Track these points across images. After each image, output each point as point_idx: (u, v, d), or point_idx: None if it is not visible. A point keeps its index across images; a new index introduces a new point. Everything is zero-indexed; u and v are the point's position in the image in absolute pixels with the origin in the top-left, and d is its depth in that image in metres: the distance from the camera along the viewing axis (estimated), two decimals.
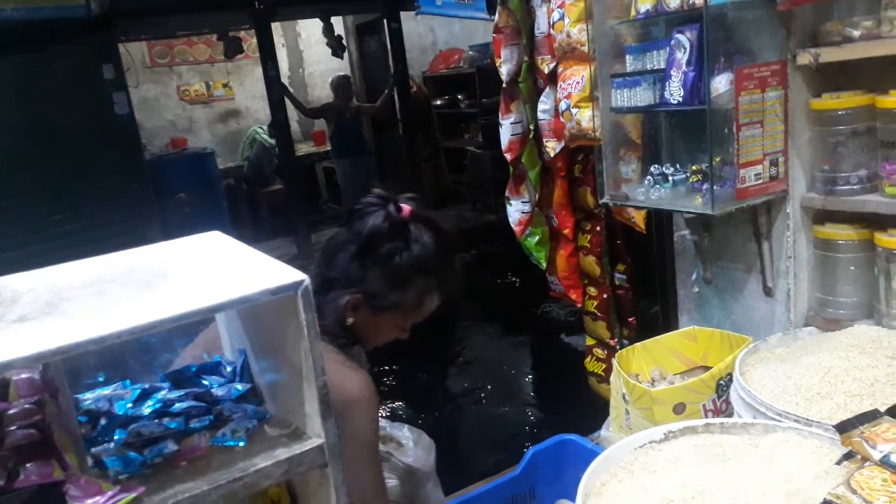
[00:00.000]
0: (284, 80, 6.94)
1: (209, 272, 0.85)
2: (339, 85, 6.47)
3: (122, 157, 5.04)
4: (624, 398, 1.80)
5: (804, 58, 1.66)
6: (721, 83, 1.65)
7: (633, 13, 1.87)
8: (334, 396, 1.16)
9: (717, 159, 1.71)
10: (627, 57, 1.92)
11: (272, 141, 7.18)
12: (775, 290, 1.88)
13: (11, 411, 0.87)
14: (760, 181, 1.72)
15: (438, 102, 8.15)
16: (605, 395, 2.78)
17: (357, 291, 1.28)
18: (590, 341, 2.93)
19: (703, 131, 1.71)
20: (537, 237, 2.77)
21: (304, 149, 8.07)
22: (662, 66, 1.79)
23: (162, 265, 0.89)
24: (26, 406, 0.89)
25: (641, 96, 1.83)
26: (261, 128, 7.82)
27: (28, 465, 0.78)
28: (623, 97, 1.88)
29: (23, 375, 0.93)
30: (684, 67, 1.71)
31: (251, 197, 7.56)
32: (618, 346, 2.71)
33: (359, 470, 1.22)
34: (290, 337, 0.81)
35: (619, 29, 1.96)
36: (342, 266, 1.29)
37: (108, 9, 4.75)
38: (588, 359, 2.94)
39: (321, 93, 8.20)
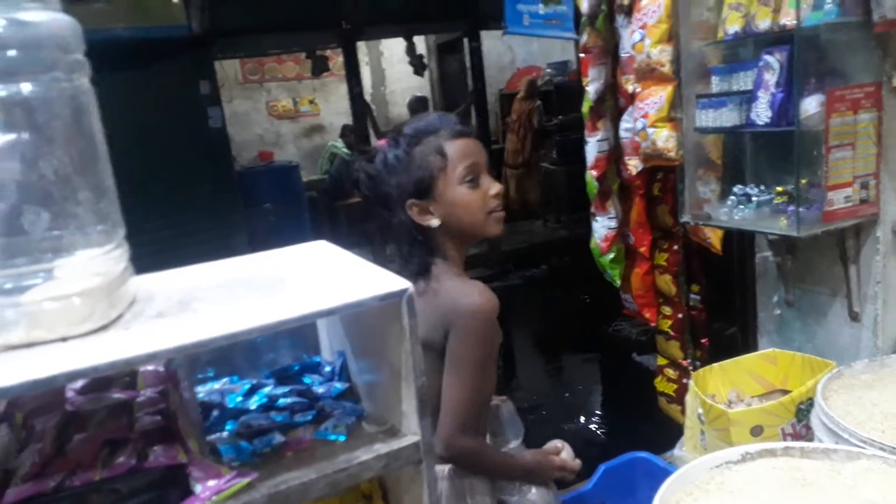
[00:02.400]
0: (367, 97, 7.15)
1: (322, 278, 0.93)
2: (415, 106, 6.63)
3: (214, 168, 5.27)
4: (700, 418, 1.79)
5: None
6: (811, 105, 1.64)
7: (720, 34, 1.88)
8: (450, 307, 1.32)
9: (804, 181, 1.70)
10: (713, 78, 1.92)
11: (353, 154, 7.40)
12: (862, 315, 1.83)
13: (139, 399, 0.98)
14: (850, 204, 1.69)
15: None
16: (675, 416, 2.74)
17: (406, 199, 1.38)
18: (661, 361, 2.90)
19: (789, 152, 1.70)
20: (613, 254, 2.78)
21: None
22: (749, 88, 1.79)
23: (279, 270, 0.98)
24: (152, 395, 0.99)
25: (727, 117, 1.83)
26: (337, 142, 8.06)
27: (155, 447, 0.87)
28: (708, 117, 1.89)
29: (149, 367, 1.04)
30: (772, 89, 1.71)
31: (331, 209, 7.81)
32: (690, 367, 2.68)
33: (454, 382, 1.34)
34: (391, 340, 0.87)
35: (704, 50, 1.97)
36: (383, 203, 1.42)
37: (208, 28, 5.02)
38: (659, 379, 2.91)
39: (401, 110, 8.42)
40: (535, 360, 4.81)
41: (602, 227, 2.74)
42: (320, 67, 7.08)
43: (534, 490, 1.56)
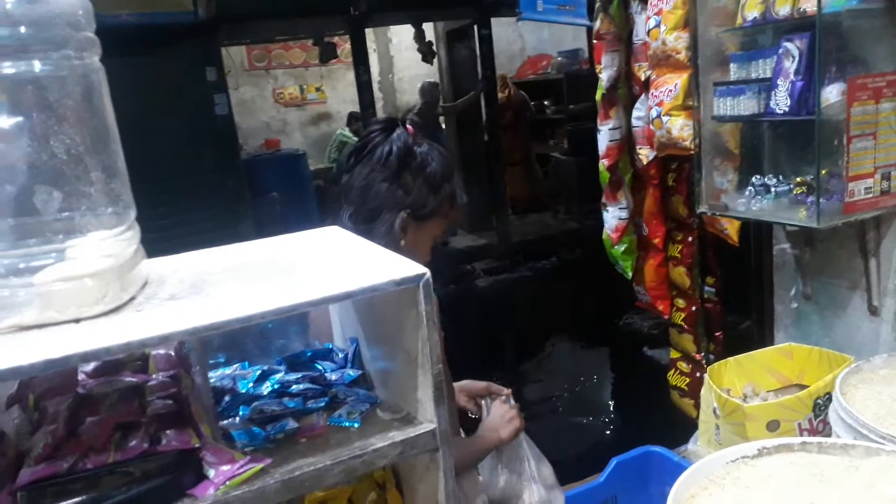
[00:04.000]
0: (375, 85, 7.10)
1: (336, 263, 0.92)
2: (429, 91, 6.59)
3: (221, 156, 5.23)
4: (715, 412, 1.77)
5: None
6: (832, 93, 1.61)
7: (739, 21, 1.85)
8: None
9: (824, 171, 1.67)
10: (731, 65, 1.89)
11: None
12: (881, 309, 1.81)
13: (151, 383, 0.97)
14: (870, 195, 1.66)
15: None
16: (687, 410, 2.73)
17: (403, 208, 1.36)
18: (674, 355, 2.87)
19: (809, 142, 1.67)
20: (625, 246, 2.75)
21: None
22: (768, 76, 1.76)
23: (292, 255, 0.96)
24: (164, 379, 0.98)
25: (745, 105, 1.80)
26: (345, 130, 8.02)
27: (167, 431, 0.85)
28: (726, 105, 1.86)
29: (160, 351, 1.02)
30: (792, 77, 1.68)
31: (338, 198, 7.75)
32: (704, 361, 2.66)
33: None
34: (407, 326, 0.86)
35: (722, 37, 1.94)
36: (383, 192, 1.37)
37: (214, 14, 4.99)
38: (671, 372, 2.89)
39: (410, 97, 8.37)
40: (544, 353, 4.78)
41: (613, 217, 2.71)
42: (328, 54, 7.02)
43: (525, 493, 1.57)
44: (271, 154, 7.51)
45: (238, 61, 8.19)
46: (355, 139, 7.70)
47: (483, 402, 1.70)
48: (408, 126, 1.40)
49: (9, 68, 0.74)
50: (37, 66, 0.75)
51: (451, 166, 1.42)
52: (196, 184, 5.02)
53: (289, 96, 8.72)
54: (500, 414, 1.57)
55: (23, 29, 0.74)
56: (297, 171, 6.97)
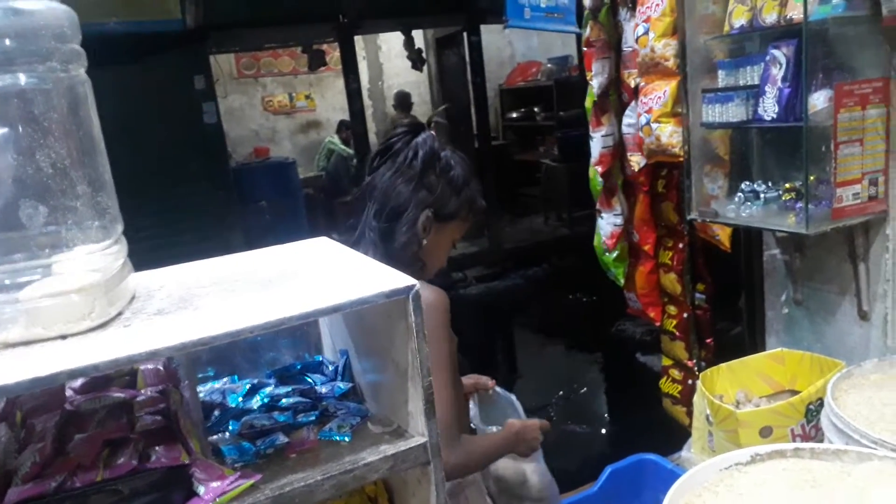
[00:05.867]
0: (364, 92, 7.10)
1: (325, 275, 0.91)
2: (403, 100, 6.62)
3: (209, 164, 5.23)
4: (707, 419, 1.77)
5: None
6: (819, 100, 1.62)
7: (726, 28, 1.86)
8: None
9: (812, 177, 1.68)
10: (719, 72, 1.90)
11: (350, 151, 7.35)
12: (871, 313, 1.82)
13: (139, 398, 0.95)
14: (858, 201, 1.67)
15: (514, 115, 8.20)
16: (679, 418, 2.73)
17: (427, 207, 1.39)
18: (666, 362, 2.87)
19: (797, 148, 1.68)
20: (616, 253, 2.75)
21: None
22: (756, 82, 1.77)
23: (281, 267, 0.95)
24: (152, 394, 0.97)
25: (733, 112, 1.81)
26: (333, 138, 8.02)
27: (157, 447, 0.84)
28: (714, 112, 1.87)
29: (149, 366, 1.01)
30: (779, 83, 1.69)
31: (328, 206, 7.76)
32: (695, 368, 2.66)
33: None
34: (397, 338, 0.85)
35: (710, 44, 1.95)
36: (407, 192, 1.38)
37: (202, 22, 4.98)
38: (664, 380, 2.88)
39: None
40: (537, 361, 4.78)
41: (608, 224, 2.71)
42: (317, 62, 7.02)
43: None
44: (260, 162, 7.49)
45: (226, 69, 8.17)
46: (343, 147, 7.71)
47: (471, 397, 1.71)
48: (432, 130, 1.44)
49: None
50: (22, 79, 0.75)
51: (471, 171, 1.45)
52: (184, 193, 5.02)
53: (278, 104, 8.71)
54: (531, 431, 1.57)
55: (8, 42, 0.73)
56: (286, 179, 6.95)
